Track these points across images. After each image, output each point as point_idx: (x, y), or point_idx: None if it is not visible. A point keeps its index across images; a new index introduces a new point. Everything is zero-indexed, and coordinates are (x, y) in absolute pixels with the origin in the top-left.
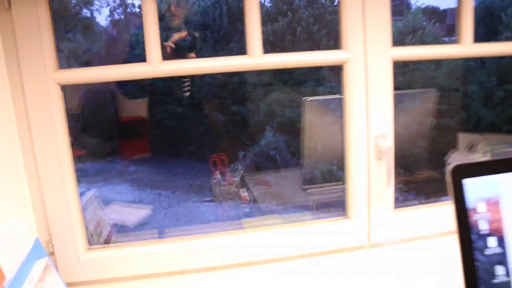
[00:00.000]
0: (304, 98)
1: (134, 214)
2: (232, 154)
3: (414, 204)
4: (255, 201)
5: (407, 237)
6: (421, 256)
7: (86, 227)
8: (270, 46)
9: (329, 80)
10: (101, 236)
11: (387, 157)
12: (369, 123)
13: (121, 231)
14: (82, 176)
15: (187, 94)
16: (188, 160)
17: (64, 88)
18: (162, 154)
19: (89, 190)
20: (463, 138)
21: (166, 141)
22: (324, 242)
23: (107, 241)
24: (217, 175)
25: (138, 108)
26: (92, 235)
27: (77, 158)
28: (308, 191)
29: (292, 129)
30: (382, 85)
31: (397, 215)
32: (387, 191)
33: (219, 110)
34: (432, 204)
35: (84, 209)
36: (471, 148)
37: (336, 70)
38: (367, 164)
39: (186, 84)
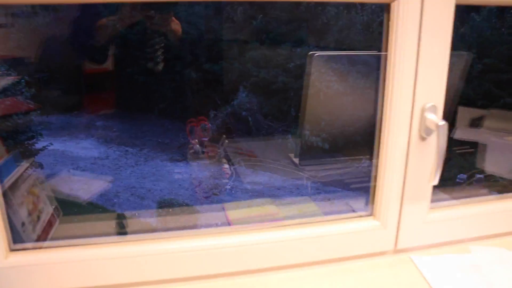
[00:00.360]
0: (310, 53)
1: (89, 186)
2: (203, 113)
3: None
4: (237, 176)
5: (441, 241)
6: (459, 264)
7: (10, 215)
8: None
9: (307, 42)
10: (37, 223)
11: (439, 137)
12: (416, 89)
13: (84, 189)
14: (45, 129)
15: (160, 64)
16: (158, 117)
17: None
18: (130, 110)
19: (51, 144)
20: (463, 112)
21: (135, 97)
22: (341, 245)
23: (45, 231)
24: (195, 145)
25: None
26: (23, 224)
27: (39, 111)
28: (306, 167)
29: (266, 90)
30: (439, 37)
31: (433, 216)
32: (428, 184)
33: (191, 67)
34: (473, 202)
35: (12, 188)
36: (474, 123)
37: (316, 32)
38: (406, 146)
39: (159, 53)
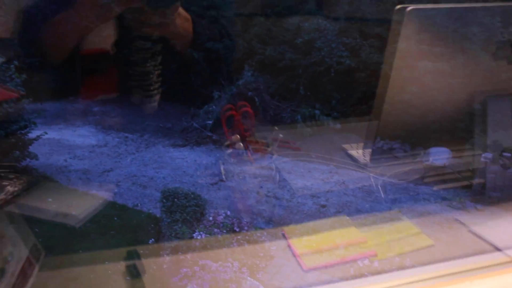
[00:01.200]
0: (400, 6)
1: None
2: (206, 95)
3: None
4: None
5: None
6: None
7: None
8: None
9: (315, 15)
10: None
11: None
12: None
13: (83, 179)
14: (40, 117)
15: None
16: (158, 100)
17: None
18: (129, 93)
19: (46, 133)
20: None
21: (133, 80)
22: None
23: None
24: (237, 142)
25: (102, 40)
26: None
27: (31, 98)
28: (379, 165)
29: (273, 68)
30: None
31: None
32: None
33: (193, 46)
34: None
35: None
36: None
37: (325, 3)
38: None
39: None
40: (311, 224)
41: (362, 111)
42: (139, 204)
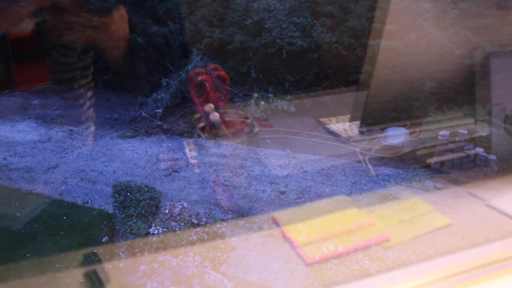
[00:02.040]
0: None
1: None
2: (153, 82)
3: None
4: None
5: None
6: None
7: None
8: None
9: None
10: None
11: None
12: None
13: (26, 177)
14: None
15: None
16: (102, 90)
17: None
18: (70, 84)
19: None
20: None
21: (75, 68)
22: None
23: None
24: (211, 112)
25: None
26: None
27: None
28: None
29: (222, 52)
30: None
31: None
32: None
33: (137, 31)
34: None
35: None
36: None
37: None
38: None
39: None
40: (306, 207)
41: (318, 93)
42: (89, 201)
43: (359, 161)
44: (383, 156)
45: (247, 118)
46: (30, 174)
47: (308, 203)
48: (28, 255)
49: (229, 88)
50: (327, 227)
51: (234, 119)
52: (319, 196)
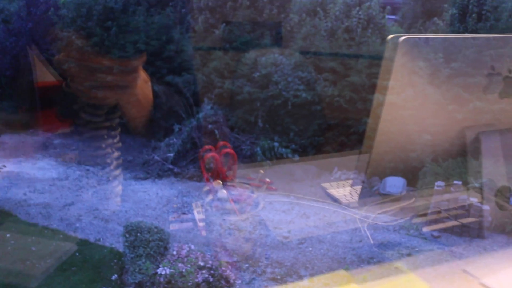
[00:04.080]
0: (392, 36)
1: None
2: (166, 127)
3: None
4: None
5: None
6: None
7: None
8: None
9: (271, 50)
10: None
11: None
12: None
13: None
14: None
15: None
16: (119, 133)
17: None
18: (89, 126)
19: (5, 166)
20: None
21: (94, 112)
22: None
23: None
24: (219, 188)
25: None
26: None
27: None
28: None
29: (232, 102)
30: None
31: None
32: None
33: (153, 80)
34: None
35: None
36: None
37: (280, 38)
38: None
39: None
40: (307, 280)
41: (319, 143)
42: (101, 239)
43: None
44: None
45: (252, 192)
46: (47, 210)
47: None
48: None
49: (236, 163)
50: None
51: (241, 197)
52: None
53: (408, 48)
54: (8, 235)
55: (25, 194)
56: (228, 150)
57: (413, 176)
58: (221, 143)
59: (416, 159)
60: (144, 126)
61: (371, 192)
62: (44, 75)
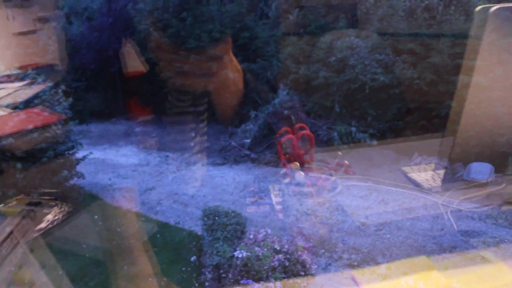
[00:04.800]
0: (481, 7)
1: None
2: (243, 114)
3: None
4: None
5: None
6: None
7: None
8: None
9: (347, 33)
10: None
11: None
12: None
13: (126, 197)
14: (86, 138)
15: None
16: (197, 120)
17: None
18: (168, 114)
19: (91, 153)
20: None
21: (173, 100)
22: None
23: None
24: (296, 171)
25: (140, 65)
26: None
27: (77, 120)
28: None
29: (307, 87)
30: None
31: None
32: None
33: (228, 67)
34: None
35: None
36: None
37: (356, 21)
38: None
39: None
40: (385, 266)
41: (398, 127)
42: (180, 222)
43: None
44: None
45: (331, 175)
46: (130, 194)
47: (387, 262)
48: (125, 267)
49: (313, 145)
50: None
51: (318, 180)
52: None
53: (499, 21)
54: (95, 216)
55: (110, 179)
56: (305, 132)
57: (502, 162)
58: (297, 125)
59: (505, 144)
60: (232, 113)
61: (454, 179)
62: (126, 67)
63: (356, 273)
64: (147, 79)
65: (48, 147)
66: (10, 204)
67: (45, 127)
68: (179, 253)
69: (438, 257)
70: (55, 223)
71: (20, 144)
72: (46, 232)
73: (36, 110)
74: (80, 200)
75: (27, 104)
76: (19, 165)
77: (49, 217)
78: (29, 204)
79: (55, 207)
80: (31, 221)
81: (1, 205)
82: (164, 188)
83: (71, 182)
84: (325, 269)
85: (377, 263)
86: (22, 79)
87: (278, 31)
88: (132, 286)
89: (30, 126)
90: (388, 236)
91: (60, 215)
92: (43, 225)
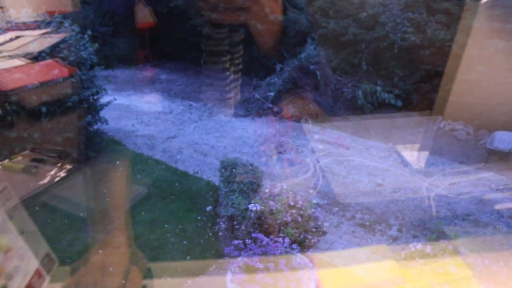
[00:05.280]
0: None
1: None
2: (268, 66)
3: None
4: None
5: None
6: None
7: None
8: None
9: None
10: None
11: None
12: None
13: (148, 144)
14: (111, 84)
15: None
16: (222, 70)
17: None
18: (194, 62)
19: (115, 99)
20: None
21: (199, 49)
22: None
23: None
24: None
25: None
26: None
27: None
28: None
29: (335, 43)
30: None
31: None
32: None
33: (257, 18)
34: None
35: None
36: None
37: None
38: None
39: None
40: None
41: (425, 89)
42: (199, 172)
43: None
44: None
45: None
46: (152, 141)
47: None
48: (143, 213)
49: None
50: None
51: (338, 139)
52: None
53: None
54: (117, 162)
55: (133, 125)
56: None
57: None
58: None
59: None
60: (246, 63)
61: (476, 146)
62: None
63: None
64: (175, 25)
65: (73, 92)
66: (15, 160)
67: (54, 81)
68: (195, 202)
69: (449, 228)
70: (55, 180)
71: (28, 97)
72: (47, 188)
73: (50, 62)
74: (103, 145)
75: (52, 49)
76: (44, 109)
77: (52, 173)
78: (33, 160)
79: (58, 165)
80: (32, 177)
81: (6, 160)
82: (185, 137)
83: (95, 127)
84: (337, 226)
85: (388, 225)
86: (48, 24)
87: None
88: (148, 231)
89: (41, 80)
90: (403, 199)
91: (61, 172)
92: (44, 181)
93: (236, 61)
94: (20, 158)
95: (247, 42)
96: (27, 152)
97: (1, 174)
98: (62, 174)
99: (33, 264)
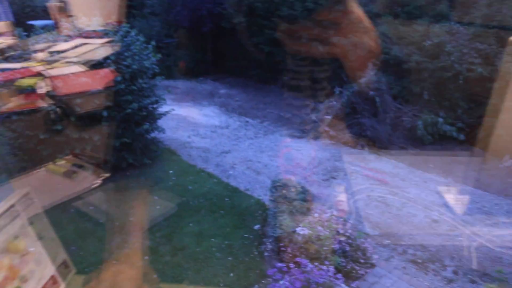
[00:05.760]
0: None
1: None
2: (328, 89)
3: None
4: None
5: None
6: None
7: None
8: None
9: (447, 17)
10: None
11: None
12: None
13: (202, 156)
14: (171, 94)
15: None
16: (281, 90)
17: None
18: (254, 79)
19: (174, 109)
20: None
21: (260, 67)
22: None
23: None
24: (375, 156)
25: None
26: None
27: (165, 75)
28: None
29: (397, 70)
30: None
31: None
32: None
33: (319, 39)
34: None
35: None
36: None
37: (459, 4)
38: None
39: None
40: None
41: (490, 124)
42: (250, 189)
43: None
44: None
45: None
46: (206, 154)
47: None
48: (191, 224)
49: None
50: None
51: (394, 169)
52: (475, 233)
53: None
54: (171, 171)
55: (189, 136)
56: None
57: None
58: None
59: None
60: (306, 84)
61: None
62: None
63: None
64: (237, 42)
65: (133, 99)
66: (58, 163)
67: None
68: (244, 219)
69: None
70: (92, 187)
71: (85, 102)
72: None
73: (107, 70)
74: (158, 153)
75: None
76: (105, 113)
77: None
78: (74, 165)
79: (94, 172)
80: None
81: (50, 163)
82: (240, 153)
83: (152, 135)
84: (387, 260)
85: (443, 265)
86: (115, 33)
87: (374, 8)
88: (195, 243)
89: (95, 87)
90: (460, 238)
91: (99, 179)
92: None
93: (301, 84)
94: (63, 162)
95: (307, 63)
96: (70, 156)
97: (44, 176)
98: (99, 181)
99: (49, 269)
